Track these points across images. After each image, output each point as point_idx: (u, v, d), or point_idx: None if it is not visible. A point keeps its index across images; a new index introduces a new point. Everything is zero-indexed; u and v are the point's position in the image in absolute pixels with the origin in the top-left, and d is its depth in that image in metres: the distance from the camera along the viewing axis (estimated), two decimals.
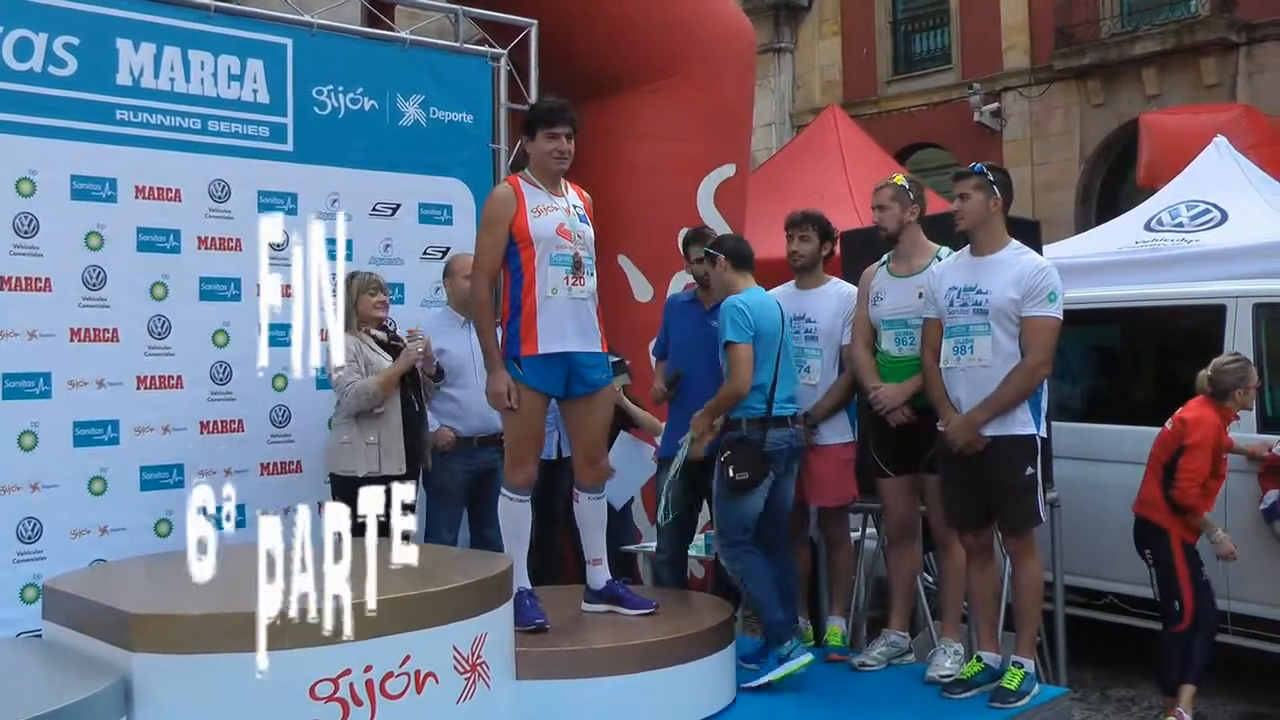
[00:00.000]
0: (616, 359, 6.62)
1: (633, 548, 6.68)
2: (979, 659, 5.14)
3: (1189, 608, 5.75)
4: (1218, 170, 9.15)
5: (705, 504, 6.09)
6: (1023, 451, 4.96)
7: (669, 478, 5.61)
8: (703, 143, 8.10)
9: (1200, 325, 6.36)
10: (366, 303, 5.96)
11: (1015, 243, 5.11)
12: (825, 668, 5.46)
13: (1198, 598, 5.76)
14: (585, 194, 5.08)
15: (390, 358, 5.95)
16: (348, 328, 5.93)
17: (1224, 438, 5.86)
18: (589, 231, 4.96)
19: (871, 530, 6.43)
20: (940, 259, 5.38)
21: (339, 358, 5.67)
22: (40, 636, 4.49)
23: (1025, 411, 4.97)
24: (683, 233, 6.52)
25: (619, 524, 6.68)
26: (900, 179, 5.59)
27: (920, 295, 5.32)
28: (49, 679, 3.90)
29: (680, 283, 7.13)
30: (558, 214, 4.84)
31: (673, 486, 5.66)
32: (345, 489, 5.81)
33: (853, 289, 5.73)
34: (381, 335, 6.05)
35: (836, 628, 5.76)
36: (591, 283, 4.91)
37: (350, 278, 5.99)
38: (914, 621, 5.89)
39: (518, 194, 4.86)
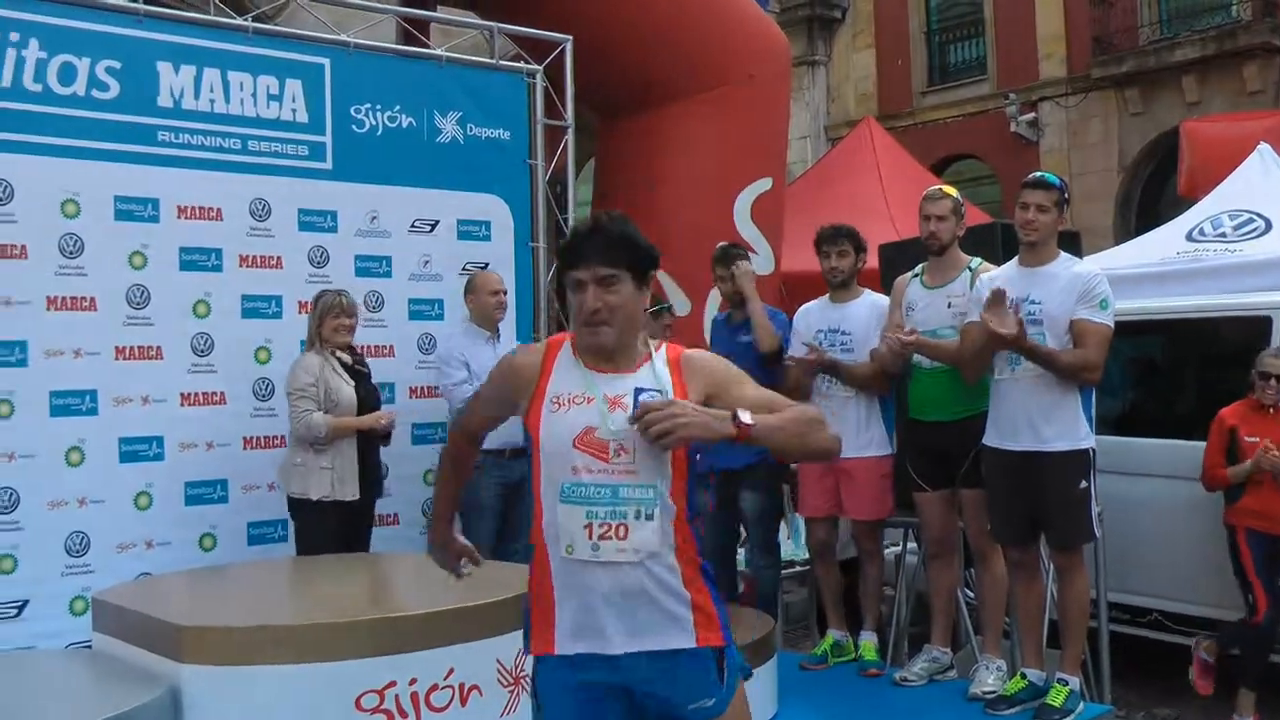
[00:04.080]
0: None
1: None
2: (1023, 675, 5.10)
3: (1260, 603, 5.70)
4: (1261, 178, 9.03)
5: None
6: (1078, 464, 4.92)
7: None
8: (739, 156, 8.11)
9: (1244, 337, 6.28)
10: (329, 325, 5.92)
11: (1065, 254, 5.09)
12: (866, 682, 5.47)
13: (1270, 595, 5.71)
14: (686, 356, 2.98)
15: (352, 381, 5.92)
16: (312, 346, 5.95)
17: (1232, 420, 5.94)
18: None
19: (912, 545, 6.39)
20: (971, 269, 5.36)
21: (299, 379, 5.78)
22: (90, 647, 4.55)
23: (1082, 423, 4.93)
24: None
25: None
26: (955, 192, 5.57)
27: (950, 305, 5.30)
28: (100, 689, 3.97)
29: (719, 297, 7.09)
30: (586, 412, 2.80)
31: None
32: (300, 511, 5.84)
33: (885, 300, 5.74)
34: (346, 358, 6.00)
35: (869, 642, 5.73)
36: (649, 533, 2.77)
37: (317, 298, 6.02)
38: (955, 637, 5.85)
39: (545, 364, 2.93)
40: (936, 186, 5.75)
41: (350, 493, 5.78)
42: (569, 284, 2.85)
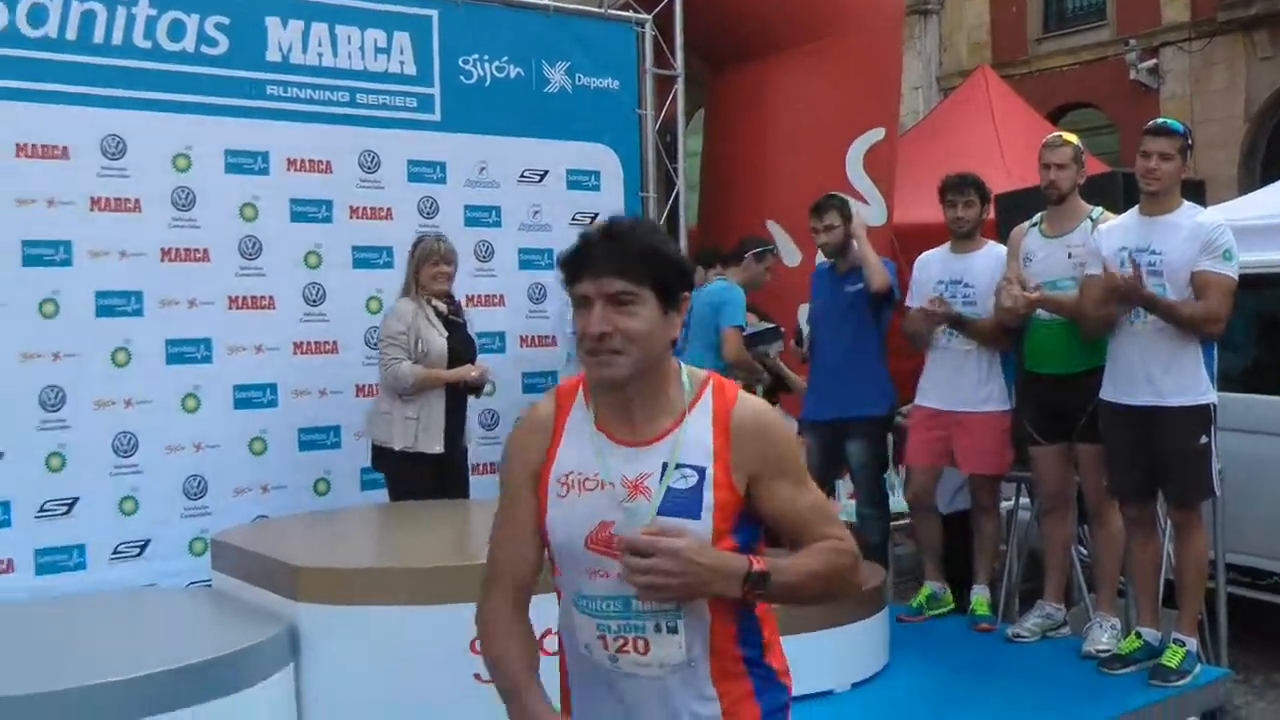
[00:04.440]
0: (771, 325, 6.60)
1: None
2: (1138, 635, 4.98)
3: None
4: None
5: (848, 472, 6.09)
6: (1197, 418, 4.77)
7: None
8: (850, 106, 8.01)
9: None
10: (427, 272, 5.84)
11: (1188, 203, 4.92)
12: (977, 637, 5.40)
13: None
14: (740, 417, 2.24)
15: (445, 332, 5.84)
16: (407, 293, 5.88)
17: None
18: (698, 525, 2.16)
19: (1025, 499, 6.28)
20: (1093, 219, 5.21)
21: (390, 326, 5.74)
22: (210, 585, 4.68)
23: (1203, 377, 4.78)
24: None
25: None
26: (1075, 139, 5.41)
27: (1070, 255, 5.17)
28: (221, 625, 4.08)
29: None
30: (600, 501, 2.20)
31: (809, 453, 5.76)
32: (381, 459, 5.85)
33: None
34: (443, 307, 5.92)
35: (981, 597, 5.65)
36: (674, 647, 2.20)
37: (415, 244, 5.97)
38: (1068, 593, 5.73)
39: (557, 424, 2.30)
40: (1056, 134, 5.59)
41: (434, 445, 5.71)
42: (573, 303, 2.20)
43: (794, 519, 2.25)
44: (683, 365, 2.27)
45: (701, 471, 2.17)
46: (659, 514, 2.14)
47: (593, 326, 2.12)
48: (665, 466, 2.18)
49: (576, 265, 2.17)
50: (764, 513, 2.23)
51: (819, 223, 6.03)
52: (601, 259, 2.14)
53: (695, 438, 2.19)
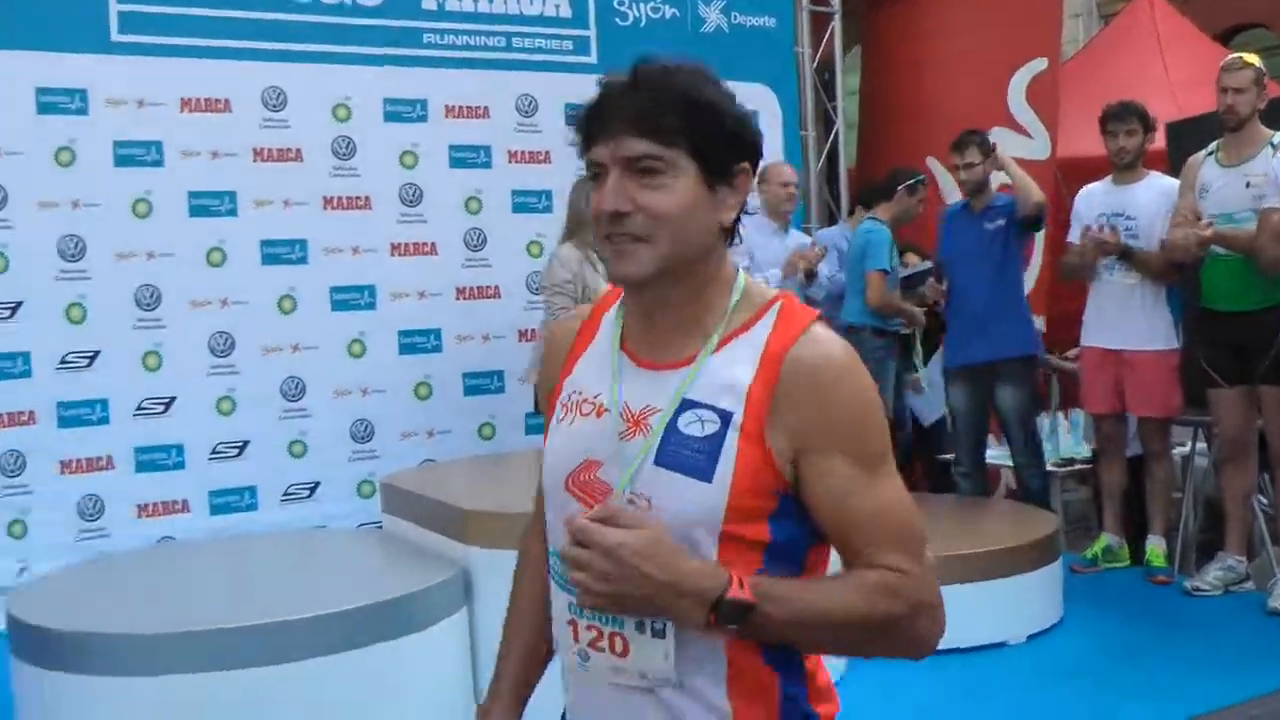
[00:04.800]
0: (929, 265, 6.44)
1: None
2: None
3: None
4: None
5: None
6: None
7: None
8: (1012, 37, 7.76)
9: None
10: None
11: None
12: (1154, 589, 5.25)
13: None
14: (796, 358, 1.50)
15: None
16: (570, 238, 5.66)
17: None
18: (707, 491, 1.49)
19: (1201, 445, 6.03)
20: (1274, 145, 4.95)
21: (556, 274, 5.66)
22: (380, 527, 4.78)
23: None
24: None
25: (934, 436, 6.55)
26: (1257, 60, 5.12)
27: (1248, 185, 4.91)
28: (396, 567, 4.16)
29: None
30: (593, 430, 1.58)
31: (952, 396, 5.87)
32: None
33: (1173, 183, 5.40)
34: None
35: (1157, 547, 5.48)
36: (659, 657, 1.50)
37: (578, 185, 5.82)
38: (1250, 545, 5.50)
39: (580, 335, 1.71)
40: (1236, 56, 5.30)
41: None
42: (589, 175, 1.59)
43: (841, 520, 1.51)
44: (742, 273, 1.61)
45: (726, 418, 1.50)
46: (655, 464, 1.51)
47: (606, 202, 1.52)
48: (684, 405, 1.52)
49: (594, 121, 1.55)
50: (807, 502, 1.52)
51: (959, 159, 5.86)
52: (621, 113, 1.52)
53: (729, 371, 1.52)
